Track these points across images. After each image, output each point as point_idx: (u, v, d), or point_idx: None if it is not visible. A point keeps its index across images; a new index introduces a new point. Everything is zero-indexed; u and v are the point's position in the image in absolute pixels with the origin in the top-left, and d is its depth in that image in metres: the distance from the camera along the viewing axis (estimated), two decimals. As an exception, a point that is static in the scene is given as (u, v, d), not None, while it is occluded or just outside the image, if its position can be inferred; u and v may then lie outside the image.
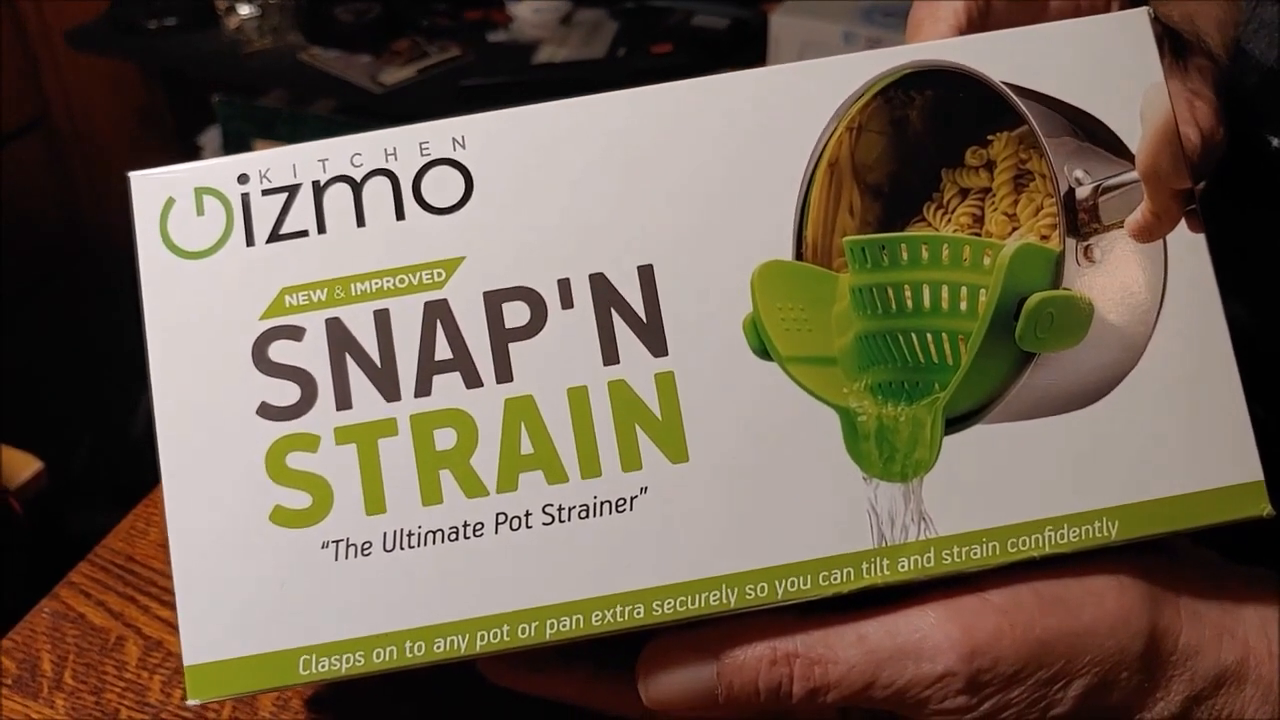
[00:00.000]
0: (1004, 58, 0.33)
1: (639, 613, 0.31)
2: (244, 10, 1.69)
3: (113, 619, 0.47)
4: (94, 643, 0.46)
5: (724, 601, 0.31)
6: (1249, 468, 0.32)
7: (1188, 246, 0.32)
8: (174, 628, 0.46)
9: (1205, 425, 0.32)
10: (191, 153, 1.87)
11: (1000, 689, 0.31)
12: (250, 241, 0.32)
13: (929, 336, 0.32)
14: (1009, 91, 0.33)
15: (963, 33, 0.37)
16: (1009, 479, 0.32)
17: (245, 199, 0.33)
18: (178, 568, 0.31)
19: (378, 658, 0.31)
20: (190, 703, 0.31)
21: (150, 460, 0.54)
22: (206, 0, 1.71)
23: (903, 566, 0.31)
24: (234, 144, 1.69)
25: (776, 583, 0.31)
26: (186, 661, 0.31)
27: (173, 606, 0.47)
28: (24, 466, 1.00)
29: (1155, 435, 0.32)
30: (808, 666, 0.31)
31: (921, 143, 0.33)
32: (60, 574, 0.49)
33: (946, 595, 0.32)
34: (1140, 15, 0.33)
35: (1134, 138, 0.33)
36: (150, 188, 0.33)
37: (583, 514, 0.31)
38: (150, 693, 0.44)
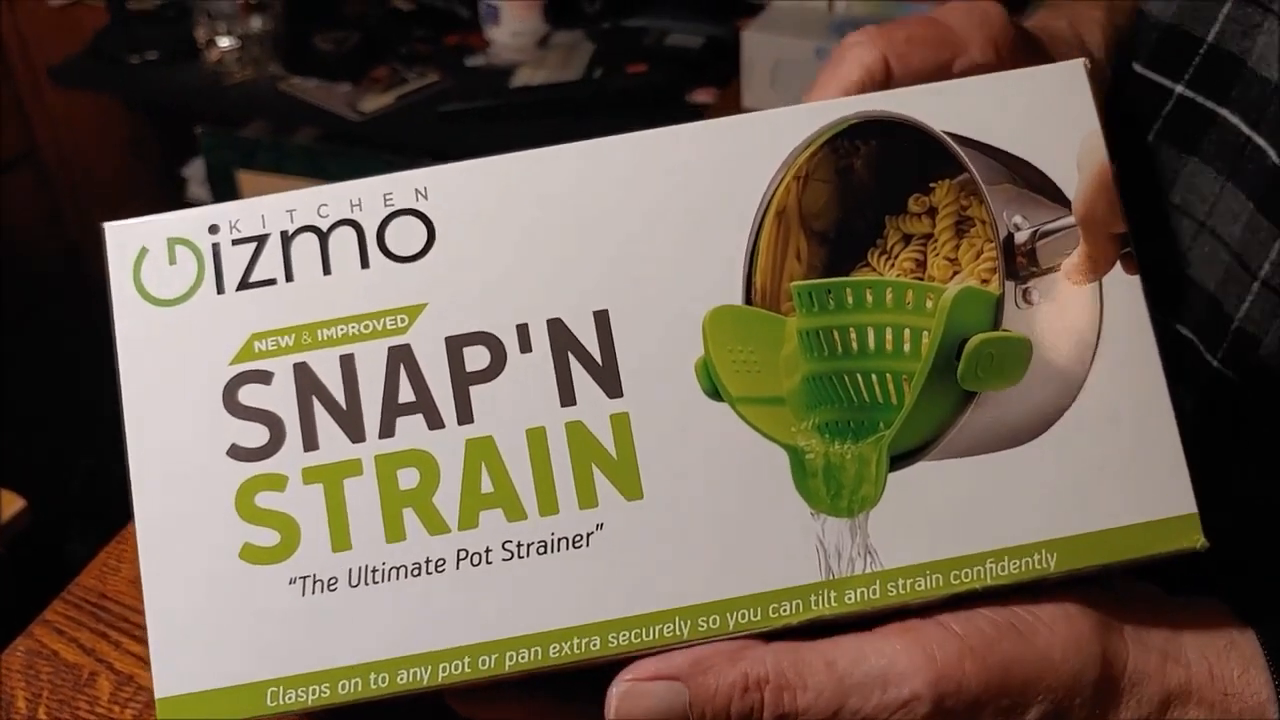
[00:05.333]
0: (945, 108, 0.34)
1: (595, 645, 0.32)
2: (224, 43, 1.71)
3: (85, 655, 0.48)
4: (67, 679, 0.47)
5: (677, 633, 0.32)
6: (1183, 501, 0.33)
7: (1123, 287, 0.34)
8: (145, 662, 0.47)
9: (1141, 460, 0.33)
10: (177, 184, 1.89)
11: (962, 715, 0.32)
12: (221, 289, 0.34)
13: (874, 377, 0.33)
14: (950, 141, 0.34)
15: (867, 87, 0.39)
16: (951, 513, 0.33)
17: (216, 248, 0.34)
18: (150, 602, 0.32)
19: (343, 689, 0.32)
20: None
21: None
22: (187, 33, 1.74)
23: (850, 599, 0.33)
24: (217, 175, 1.72)
25: (728, 615, 0.32)
26: (158, 694, 0.32)
27: (144, 641, 0.48)
28: (7, 505, 1.00)
29: (1092, 470, 0.33)
30: (777, 693, 0.32)
31: (866, 190, 0.34)
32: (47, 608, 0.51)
33: (907, 623, 0.33)
34: (1076, 66, 0.35)
35: (1070, 184, 0.34)
36: (124, 237, 0.34)
37: (541, 550, 0.33)
38: (122, 728, 0.45)
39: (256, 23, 1.69)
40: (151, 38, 1.76)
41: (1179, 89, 0.47)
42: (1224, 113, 0.45)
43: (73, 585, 0.51)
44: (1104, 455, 0.33)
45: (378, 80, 1.65)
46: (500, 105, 1.51)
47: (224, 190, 1.71)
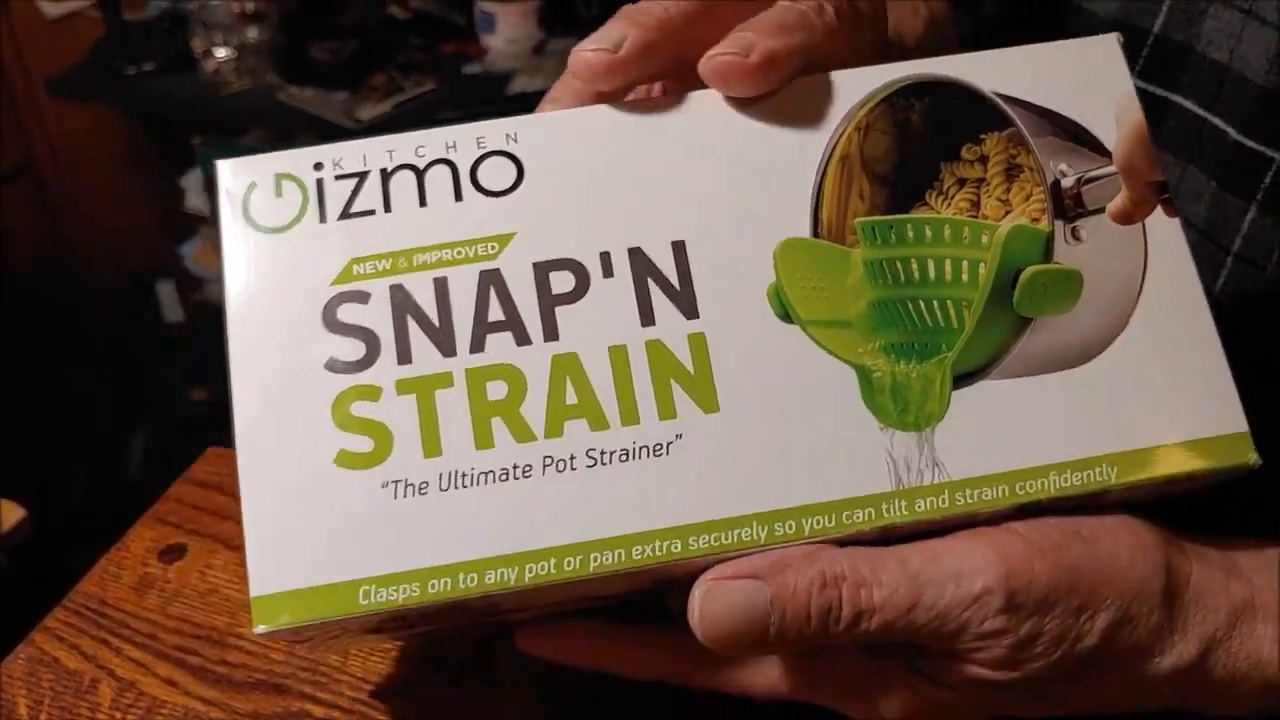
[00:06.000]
0: (992, 73, 0.37)
1: (676, 547, 0.33)
2: (221, 53, 1.73)
3: (86, 662, 0.48)
4: (69, 686, 0.47)
5: (754, 538, 0.34)
6: (1235, 420, 0.35)
7: (1164, 227, 0.36)
8: (146, 669, 0.48)
9: (1191, 382, 0.35)
10: (175, 194, 1.91)
11: (1034, 612, 0.33)
12: (323, 219, 0.36)
13: (935, 303, 0.36)
14: (998, 100, 0.37)
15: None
16: (1014, 429, 0.34)
17: (320, 183, 0.36)
18: (247, 506, 0.34)
19: (433, 588, 0.33)
20: (257, 629, 0.33)
21: (142, 497, 0.56)
22: (184, 44, 1.77)
23: (919, 507, 0.34)
24: (214, 185, 1.72)
25: (804, 520, 0.34)
26: (253, 592, 0.33)
27: (144, 648, 0.49)
28: (8, 515, 1.00)
29: (1146, 390, 0.35)
30: (854, 589, 0.33)
31: (922, 140, 0.37)
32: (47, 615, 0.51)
33: (976, 529, 0.34)
34: (1111, 39, 0.38)
35: (1110, 138, 0.37)
36: (235, 172, 0.37)
37: (623, 458, 0.34)
38: (125, 733, 0.46)
39: (253, 32, 1.72)
40: (148, 48, 1.79)
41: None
42: (1177, 99, 0.48)
43: (73, 592, 0.51)
44: (1156, 377, 0.35)
45: (375, 88, 1.67)
46: (497, 112, 1.53)
47: (222, 200, 1.71)
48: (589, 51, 0.36)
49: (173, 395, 2.09)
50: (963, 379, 0.35)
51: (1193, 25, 0.48)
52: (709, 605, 0.33)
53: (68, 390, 1.80)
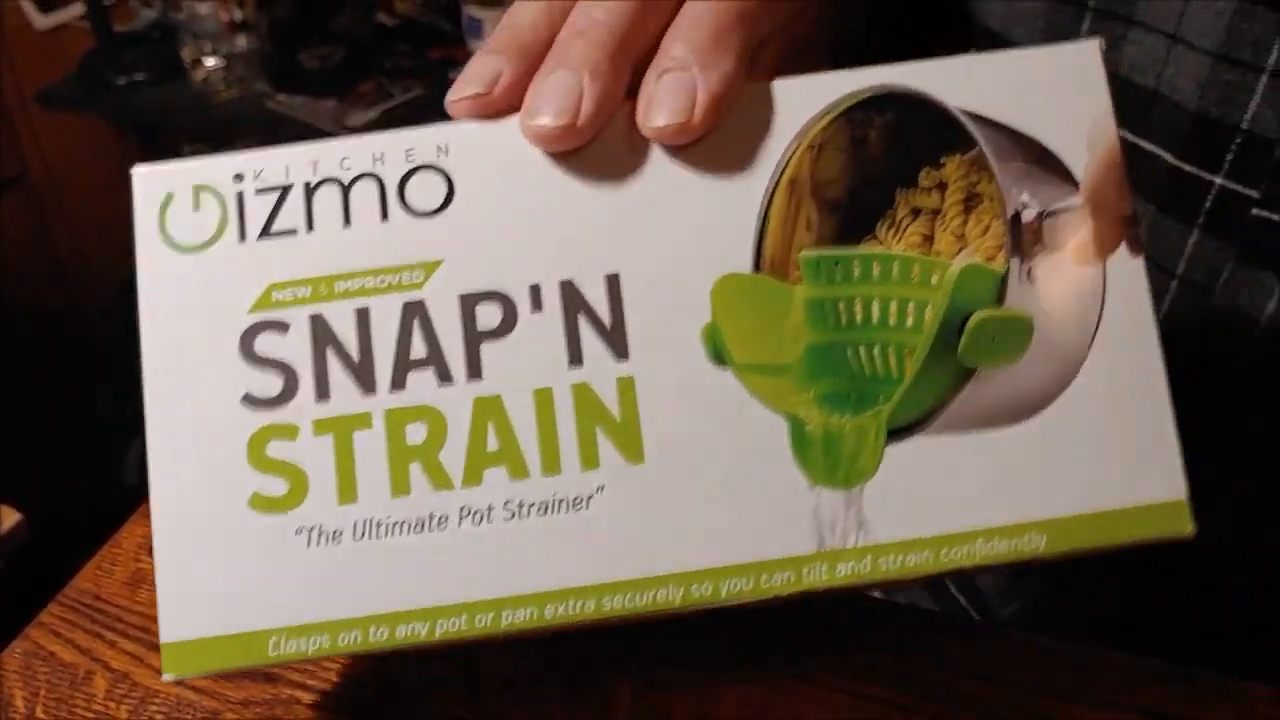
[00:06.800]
0: (963, 84, 0.34)
1: (589, 607, 0.33)
2: (210, 62, 1.74)
3: (81, 655, 0.49)
4: (64, 678, 0.48)
5: (670, 600, 0.33)
6: (1175, 486, 0.33)
7: (1126, 268, 0.34)
8: (140, 660, 0.48)
9: (1135, 443, 0.33)
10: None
11: None
12: (243, 237, 0.34)
13: (876, 349, 0.34)
14: (964, 118, 0.34)
15: None
16: (945, 489, 0.33)
17: (240, 197, 0.35)
18: (159, 548, 0.33)
19: (343, 641, 0.33)
20: (166, 677, 0.33)
21: (139, 502, 0.56)
22: (173, 53, 1.76)
23: (840, 571, 0.33)
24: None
25: (720, 583, 0.33)
26: (163, 639, 0.33)
27: (139, 640, 0.49)
28: (5, 519, 1.02)
29: (1086, 451, 0.33)
30: None
31: (879, 162, 0.35)
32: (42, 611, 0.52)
33: None
34: (1092, 46, 0.35)
35: (1079, 163, 0.34)
36: (152, 182, 0.35)
37: (542, 510, 0.33)
38: (118, 722, 0.47)
39: (242, 41, 1.72)
40: (138, 59, 1.79)
41: None
42: None
43: (68, 588, 0.52)
44: (1099, 437, 0.33)
45: (363, 95, 1.68)
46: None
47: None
48: (545, 125, 0.33)
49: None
50: (898, 433, 0.34)
51: (1114, 50, 0.45)
52: None
53: (64, 398, 1.79)
